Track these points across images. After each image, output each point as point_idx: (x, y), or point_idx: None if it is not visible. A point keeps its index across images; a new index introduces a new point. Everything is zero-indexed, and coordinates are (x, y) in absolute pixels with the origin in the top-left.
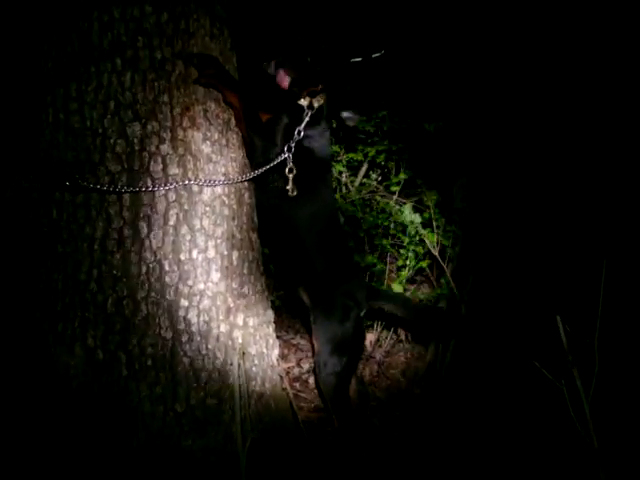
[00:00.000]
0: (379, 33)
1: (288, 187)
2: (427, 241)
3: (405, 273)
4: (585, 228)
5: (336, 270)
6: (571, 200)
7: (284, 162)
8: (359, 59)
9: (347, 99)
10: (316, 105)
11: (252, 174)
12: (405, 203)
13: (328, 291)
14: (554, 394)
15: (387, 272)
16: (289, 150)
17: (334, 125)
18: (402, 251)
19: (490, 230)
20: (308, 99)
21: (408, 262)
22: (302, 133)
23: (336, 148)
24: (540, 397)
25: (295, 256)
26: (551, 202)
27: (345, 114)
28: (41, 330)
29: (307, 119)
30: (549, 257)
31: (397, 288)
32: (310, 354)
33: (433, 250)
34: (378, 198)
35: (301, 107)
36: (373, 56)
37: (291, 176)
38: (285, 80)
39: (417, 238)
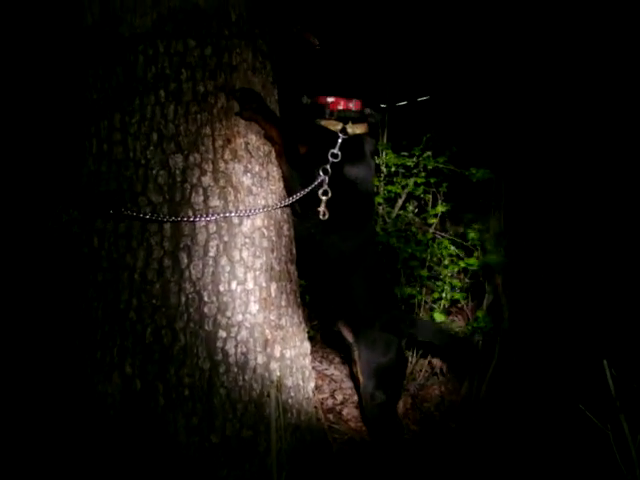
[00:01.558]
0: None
1: (320, 209)
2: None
3: (443, 303)
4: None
5: (377, 303)
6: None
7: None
8: (404, 102)
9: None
10: (350, 131)
11: (291, 199)
12: (443, 235)
13: (370, 324)
14: (597, 438)
15: (422, 303)
16: (325, 173)
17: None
18: (438, 283)
19: (529, 264)
20: (340, 124)
21: (444, 294)
22: (338, 155)
23: (375, 181)
24: (582, 441)
25: (336, 290)
26: (597, 238)
27: (367, 110)
28: (80, 358)
29: (340, 142)
30: (595, 294)
31: (438, 318)
32: (344, 385)
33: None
34: (415, 230)
35: (335, 134)
36: (419, 100)
37: (325, 198)
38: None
39: (455, 269)
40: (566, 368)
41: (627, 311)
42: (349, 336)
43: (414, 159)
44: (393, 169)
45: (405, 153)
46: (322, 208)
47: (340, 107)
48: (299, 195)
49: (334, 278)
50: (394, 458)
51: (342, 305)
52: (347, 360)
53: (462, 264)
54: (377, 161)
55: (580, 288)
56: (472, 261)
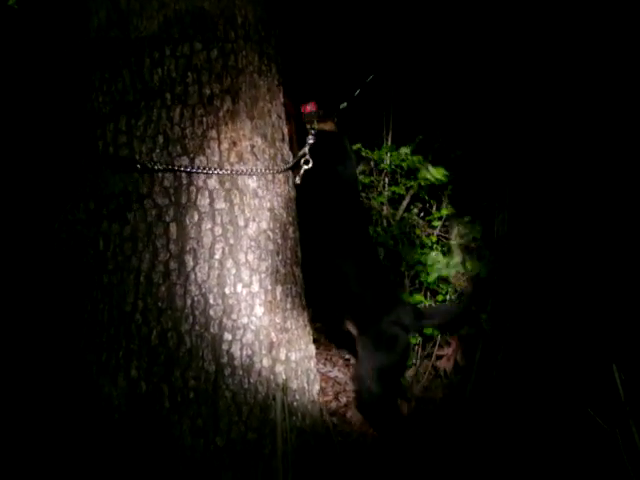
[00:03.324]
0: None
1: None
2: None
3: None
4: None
5: (381, 299)
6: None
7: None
8: (358, 91)
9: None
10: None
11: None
12: (447, 238)
13: (375, 321)
14: (606, 442)
15: (428, 306)
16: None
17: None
18: (442, 285)
19: (535, 265)
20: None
21: (448, 297)
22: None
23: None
24: (591, 445)
25: (342, 288)
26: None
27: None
28: (85, 360)
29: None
30: (603, 296)
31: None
32: (348, 387)
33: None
34: (419, 232)
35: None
36: (367, 80)
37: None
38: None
39: (460, 271)
40: (574, 372)
41: (636, 313)
42: (354, 331)
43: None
44: (398, 170)
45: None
46: (301, 172)
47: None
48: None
49: (340, 277)
50: (396, 448)
51: (349, 302)
52: (354, 354)
53: (468, 265)
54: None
55: (588, 290)
56: (469, 265)
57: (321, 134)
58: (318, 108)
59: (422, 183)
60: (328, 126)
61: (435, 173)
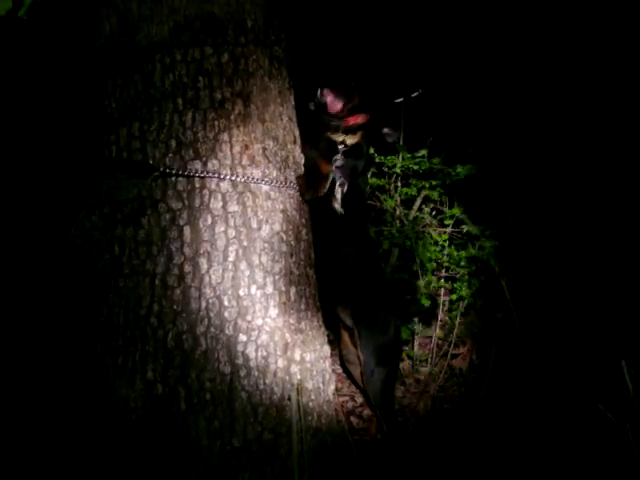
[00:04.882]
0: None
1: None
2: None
3: (464, 304)
4: None
5: (374, 291)
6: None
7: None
8: (401, 99)
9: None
10: (349, 142)
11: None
12: (458, 235)
13: (370, 309)
14: (616, 437)
15: (441, 305)
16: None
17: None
18: (456, 285)
19: (547, 262)
20: (342, 136)
21: (464, 293)
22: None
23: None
24: (601, 439)
25: (341, 282)
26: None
27: (385, 130)
28: (102, 363)
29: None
30: (611, 293)
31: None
32: None
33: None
34: (432, 232)
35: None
36: (412, 95)
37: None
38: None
39: (473, 269)
40: (584, 368)
41: None
42: (348, 319)
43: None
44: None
45: (420, 154)
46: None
47: None
48: None
49: (340, 272)
50: (400, 434)
51: (346, 294)
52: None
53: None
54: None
55: (598, 286)
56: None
57: (351, 149)
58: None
59: (433, 183)
60: (358, 138)
61: (463, 171)
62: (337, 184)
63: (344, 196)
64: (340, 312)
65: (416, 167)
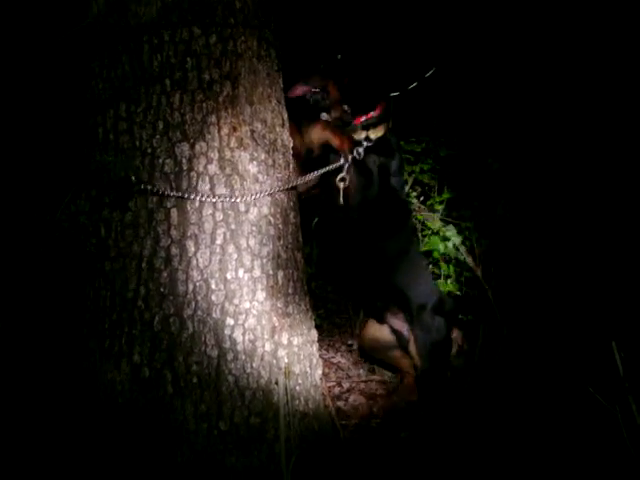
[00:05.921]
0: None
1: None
2: (468, 260)
3: (448, 287)
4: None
5: (423, 291)
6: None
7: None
8: (415, 84)
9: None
10: (372, 137)
11: (297, 181)
12: (449, 222)
13: (422, 309)
14: (606, 419)
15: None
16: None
17: None
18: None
19: (536, 248)
20: (364, 133)
21: (450, 279)
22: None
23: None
24: (591, 422)
25: (385, 284)
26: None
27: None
28: (88, 347)
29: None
30: (600, 277)
31: None
32: (350, 373)
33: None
34: (420, 217)
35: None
36: (426, 75)
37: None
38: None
39: (462, 258)
40: (574, 351)
41: (635, 293)
42: (400, 324)
43: (422, 145)
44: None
45: (413, 139)
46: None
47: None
48: (309, 177)
49: (382, 273)
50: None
51: (392, 295)
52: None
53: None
54: None
55: (588, 271)
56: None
57: (377, 142)
58: (382, 111)
59: (424, 168)
60: (382, 131)
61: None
62: (337, 179)
63: (367, 199)
64: (390, 318)
65: (408, 147)
